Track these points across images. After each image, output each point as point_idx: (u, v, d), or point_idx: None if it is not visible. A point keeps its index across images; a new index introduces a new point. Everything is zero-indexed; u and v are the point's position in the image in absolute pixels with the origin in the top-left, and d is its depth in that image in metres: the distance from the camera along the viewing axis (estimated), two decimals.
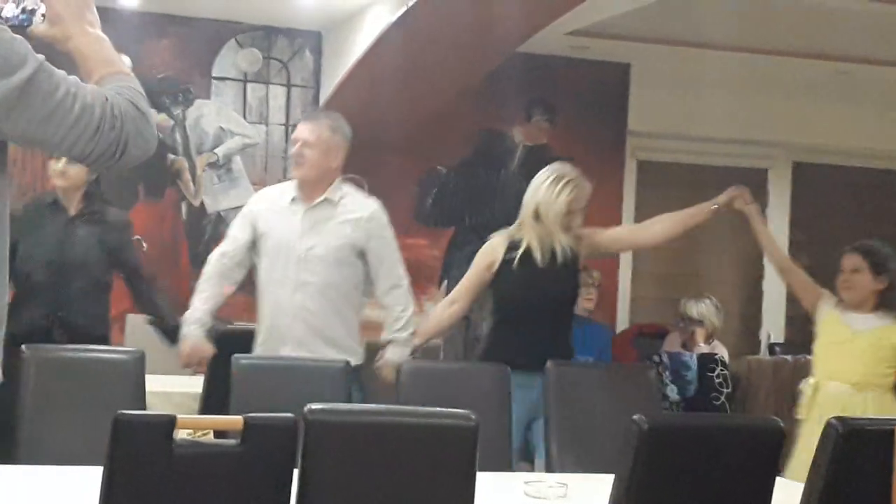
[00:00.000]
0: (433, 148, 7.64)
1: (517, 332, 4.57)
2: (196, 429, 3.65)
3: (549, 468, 4.15)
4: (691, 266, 7.15)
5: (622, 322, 7.98)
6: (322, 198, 4.45)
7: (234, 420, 2.48)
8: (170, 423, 2.40)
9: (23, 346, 3.86)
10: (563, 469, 4.04)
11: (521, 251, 4.55)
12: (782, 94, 8.29)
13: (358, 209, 4.49)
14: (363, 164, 7.78)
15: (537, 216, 4.56)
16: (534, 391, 4.37)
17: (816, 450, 2.91)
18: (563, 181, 4.59)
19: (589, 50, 7.68)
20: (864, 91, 8.15)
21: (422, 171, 7.75)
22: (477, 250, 7.18)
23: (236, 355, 4.10)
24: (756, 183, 8.75)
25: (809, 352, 5.48)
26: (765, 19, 6.79)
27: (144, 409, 3.78)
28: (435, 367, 4.35)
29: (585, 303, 6.55)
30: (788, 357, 6.09)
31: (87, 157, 2.08)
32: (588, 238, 4.65)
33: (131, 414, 2.42)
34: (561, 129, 7.97)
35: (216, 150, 7.44)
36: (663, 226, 4.71)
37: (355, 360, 4.39)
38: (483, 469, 2.66)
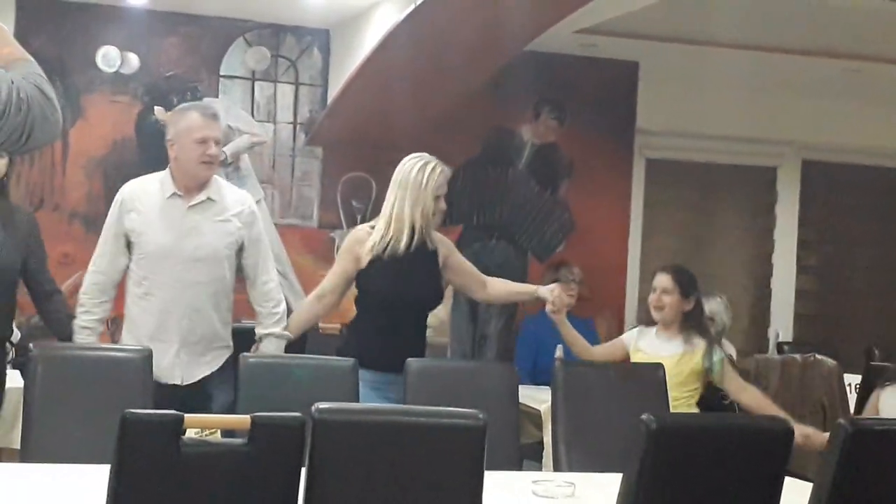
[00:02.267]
0: (441, 146, 7.53)
1: (378, 329, 4.42)
2: (204, 427, 3.65)
3: (557, 467, 4.14)
4: (700, 265, 7.12)
5: (630, 321, 7.96)
6: (204, 196, 4.29)
7: (242, 419, 2.48)
8: (177, 421, 2.40)
9: (30, 345, 3.87)
10: (571, 468, 4.04)
11: (387, 244, 4.39)
12: (791, 92, 8.27)
13: (237, 203, 4.36)
14: (371, 162, 7.84)
15: (405, 207, 4.41)
16: (391, 391, 4.25)
17: (826, 450, 2.91)
18: (430, 167, 4.50)
19: (597, 48, 7.66)
20: (874, 89, 8.12)
21: None
22: (483, 249, 7.21)
23: (243, 354, 4.10)
24: (765, 181, 8.76)
25: (819, 351, 5.48)
26: (774, 17, 6.77)
27: (152, 407, 3.78)
28: (442, 365, 4.34)
29: (566, 299, 6.41)
30: (797, 356, 6.04)
31: None
32: (448, 251, 4.55)
33: (139, 413, 2.42)
34: (569, 127, 7.96)
35: (224, 149, 7.42)
36: (497, 290, 4.74)
37: (227, 353, 4.32)
38: (491, 468, 2.65)
